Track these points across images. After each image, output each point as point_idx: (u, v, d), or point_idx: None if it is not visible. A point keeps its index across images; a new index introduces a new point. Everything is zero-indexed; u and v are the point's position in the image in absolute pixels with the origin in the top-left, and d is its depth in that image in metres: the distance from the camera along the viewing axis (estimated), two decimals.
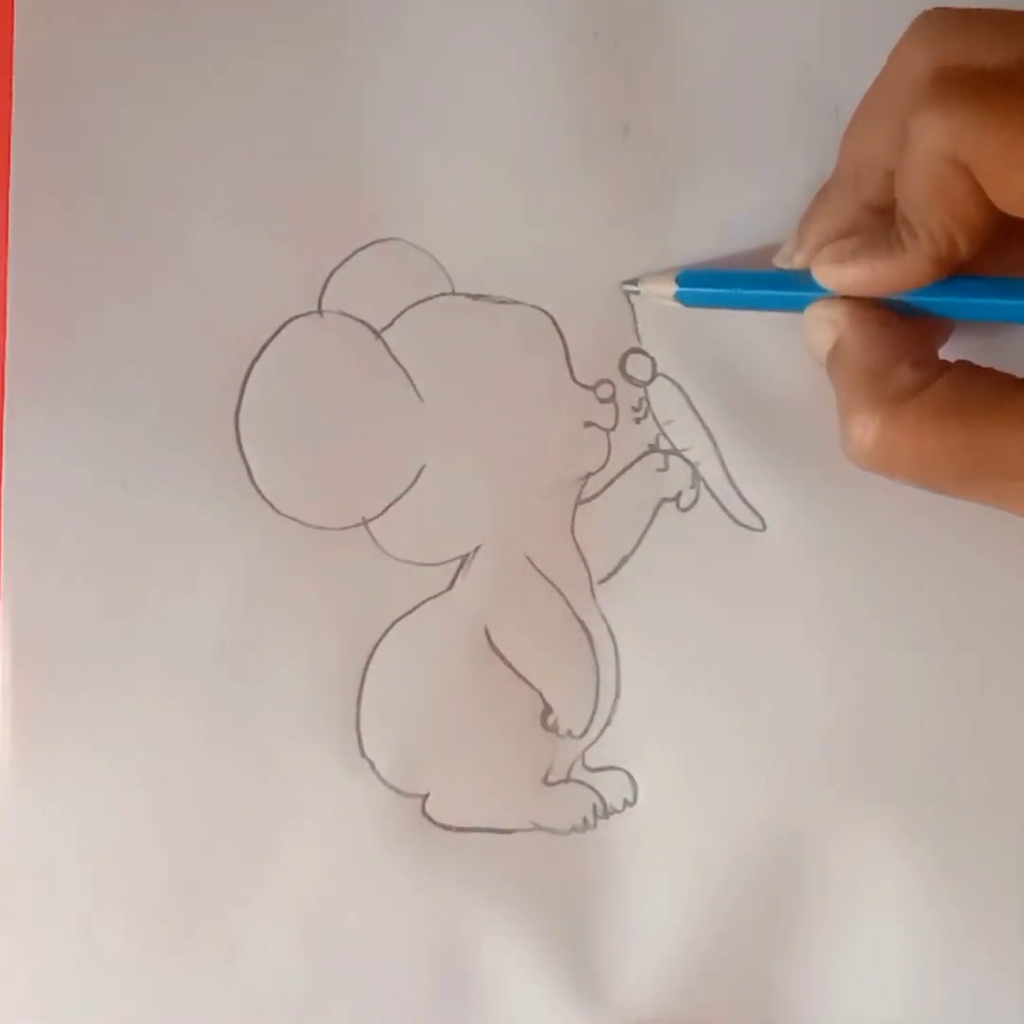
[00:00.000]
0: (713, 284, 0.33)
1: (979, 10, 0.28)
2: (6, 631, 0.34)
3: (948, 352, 0.31)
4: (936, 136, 0.27)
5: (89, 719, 0.34)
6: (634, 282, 0.34)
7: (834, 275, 0.30)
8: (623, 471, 0.35)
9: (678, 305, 0.34)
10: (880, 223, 0.30)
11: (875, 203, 0.30)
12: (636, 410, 0.35)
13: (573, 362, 0.35)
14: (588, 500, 0.35)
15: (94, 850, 0.34)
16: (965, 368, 0.29)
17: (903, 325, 0.30)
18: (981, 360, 0.30)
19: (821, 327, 0.31)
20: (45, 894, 0.34)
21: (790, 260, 0.32)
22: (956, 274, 0.29)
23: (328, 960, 0.34)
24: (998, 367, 0.29)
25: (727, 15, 0.34)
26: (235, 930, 0.34)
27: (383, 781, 0.34)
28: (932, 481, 0.29)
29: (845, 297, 0.30)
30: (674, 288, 0.33)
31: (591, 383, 0.35)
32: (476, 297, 0.35)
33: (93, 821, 0.34)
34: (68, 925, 0.34)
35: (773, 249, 0.33)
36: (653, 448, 0.35)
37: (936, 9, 0.28)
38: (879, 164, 0.30)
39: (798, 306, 0.31)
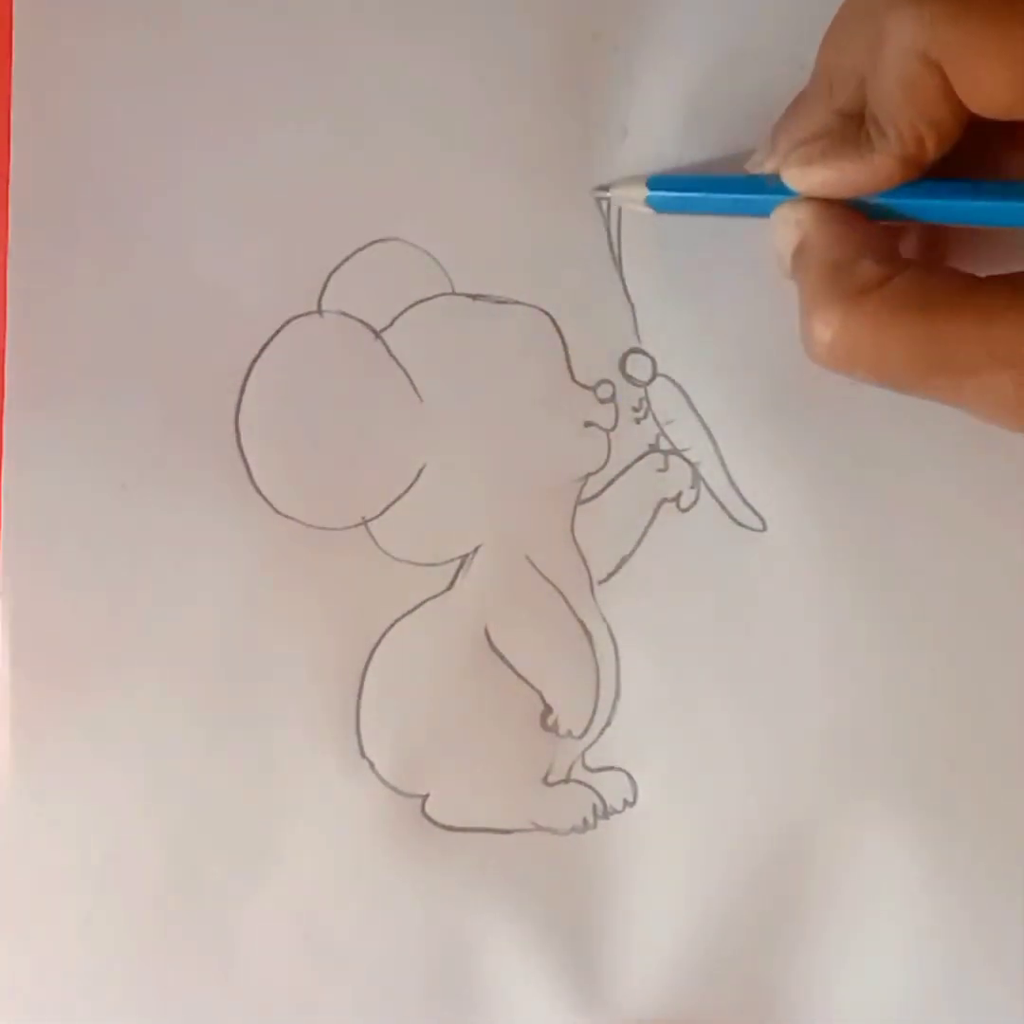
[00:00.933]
0: (684, 188, 0.33)
1: None
2: (6, 631, 0.34)
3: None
4: (908, 32, 0.27)
5: (89, 719, 0.34)
6: (606, 188, 0.34)
7: (802, 176, 0.30)
8: (623, 471, 0.35)
9: (649, 211, 0.33)
10: (850, 127, 0.30)
11: (847, 110, 0.30)
12: (636, 410, 0.35)
13: (573, 362, 0.35)
14: (588, 500, 0.35)
15: (94, 850, 0.34)
16: (925, 265, 0.29)
17: (868, 225, 0.30)
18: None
19: (787, 228, 0.30)
20: (45, 894, 0.34)
21: (761, 165, 0.32)
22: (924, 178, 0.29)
23: (328, 960, 0.34)
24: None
25: (726, 15, 0.34)
26: (235, 930, 0.34)
27: (383, 781, 0.34)
28: (891, 377, 0.29)
29: (811, 198, 0.30)
30: (645, 192, 0.33)
31: (591, 383, 0.35)
32: (476, 297, 0.35)
33: (93, 821, 0.34)
34: (68, 925, 0.34)
35: (746, 158, 0.33)
36: (653, 448, 0.35)
37: None
38: (853, 70, 0.29)
39: (767, 210, 0.31)
